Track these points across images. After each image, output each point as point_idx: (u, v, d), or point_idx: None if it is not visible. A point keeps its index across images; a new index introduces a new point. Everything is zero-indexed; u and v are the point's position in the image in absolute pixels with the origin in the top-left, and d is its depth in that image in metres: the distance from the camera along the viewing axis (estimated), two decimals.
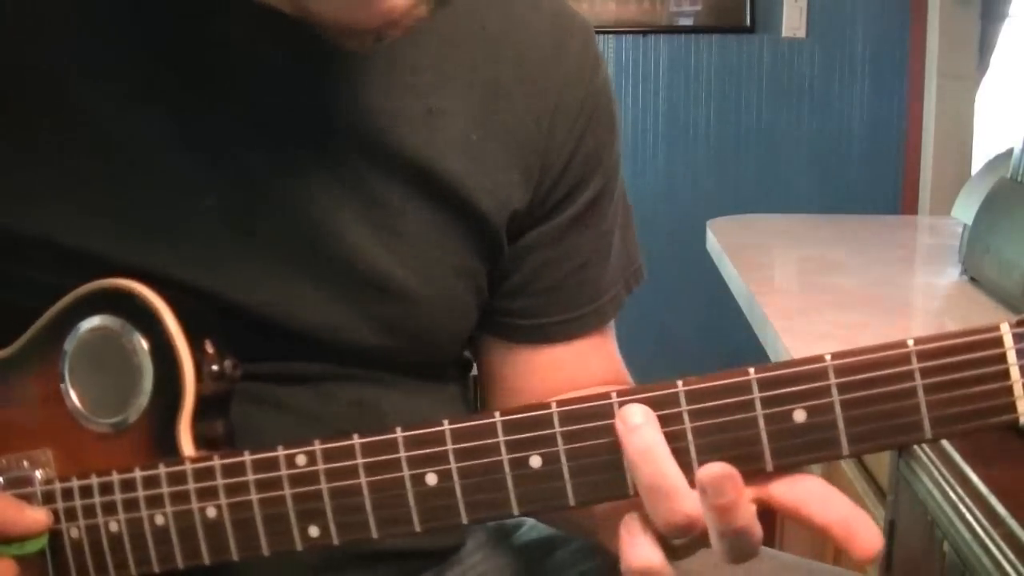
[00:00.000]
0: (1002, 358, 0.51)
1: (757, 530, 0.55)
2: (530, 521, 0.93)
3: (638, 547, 0.56)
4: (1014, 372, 0.51)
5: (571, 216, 0.80)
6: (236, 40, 0.70)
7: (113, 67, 0.69)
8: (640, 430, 0.55)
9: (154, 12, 0.70)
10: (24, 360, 0.70)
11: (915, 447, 0.96)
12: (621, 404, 0.56)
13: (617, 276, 0.85)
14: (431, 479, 0.58)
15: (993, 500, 0.81)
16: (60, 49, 0.69)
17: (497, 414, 0.58)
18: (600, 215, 0.82)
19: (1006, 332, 0.51)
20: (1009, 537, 0.78)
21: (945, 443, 0.91)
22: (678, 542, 0.56)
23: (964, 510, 0.85)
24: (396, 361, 0.78)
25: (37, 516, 0.65)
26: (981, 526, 0.82)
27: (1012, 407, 0.51)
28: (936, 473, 0.91)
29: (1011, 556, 0.77)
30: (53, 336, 0.68)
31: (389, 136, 0.72)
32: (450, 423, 0.58)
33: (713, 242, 1.99)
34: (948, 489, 0.88)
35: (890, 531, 1.10)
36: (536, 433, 0.57)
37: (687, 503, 0.55)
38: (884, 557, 1.12)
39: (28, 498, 0.66)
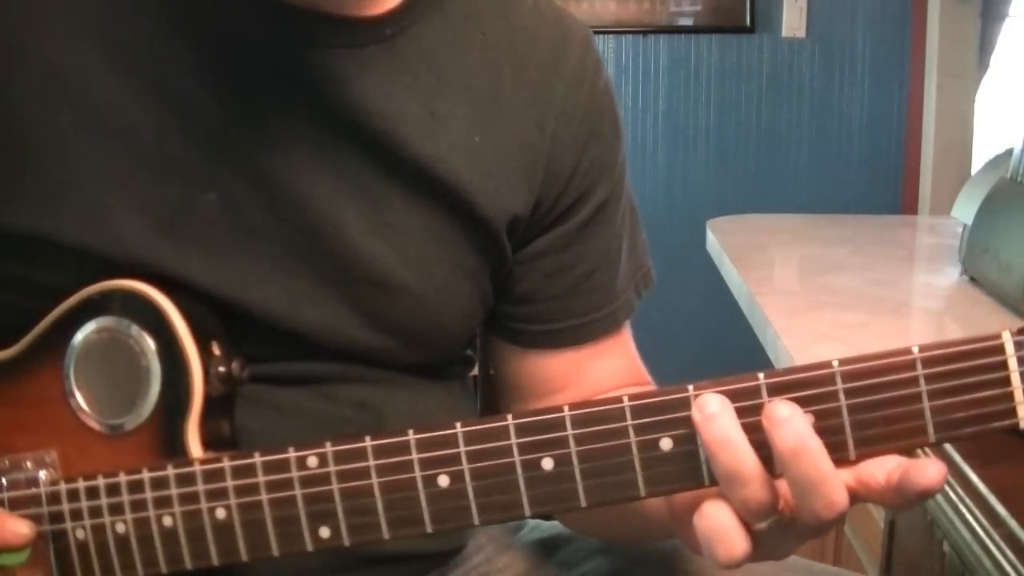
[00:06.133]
0: (1003, 365, 0.53)
1: (832, 484, 0.54)
2: (532, 522, 0.93)
3: (713, 508, 0.56)
4: (1015, 379, 0.53)
5: (580, 222, 0.80)
6: (242, 35, 0.70)
7: (114, 62, 0.69)
8: (716, 418, 0.55)
9: (159, 5, 0.70)
10: (28, 361, 0.70)
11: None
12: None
13: (628, 280, 0.85)
14: (443, 481, 0.59)
15: (993, 500, 0.82)
16: (59, 43, 0.69)
17: (509, 417, 0.58)
18: (608, 220, 0.82)
19: (1007, 340, 0.53)
20: (1009, 537, 0.78)
21: (945, 444, 0.91)
22: (760, 526, 0.56)
23: (964, 510, 0.85)
24: (398, 361, 0.78)
25: (18, 529, 0.64)
26: (981, 526, 0.82)
27: (1013, 412, 0.53)
28: None
29: (1011, 556, 0.77)
30: (59, 337, 0.68)
31: (391, 137, 0.72)
32: (462, 425, 0.59)
33: (713, 242, 1.99)
34: (948, 489, 0.88)
35: (890, 531, 1.11)
36: (548, 436, 0.58)
37: (765, 488, 0.55)
38: (884, 557, 1.12)
39: (33, 499, 0.66)
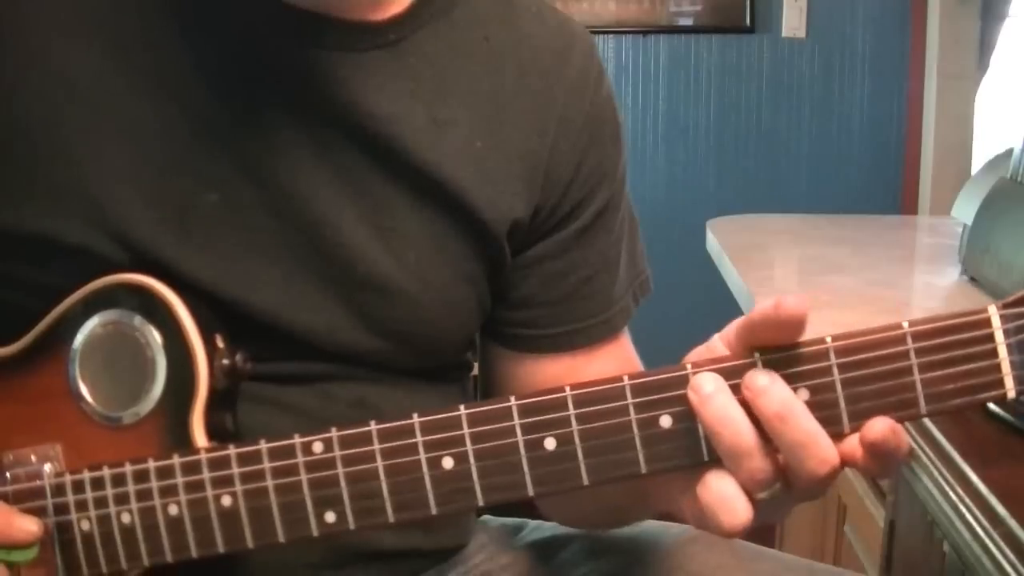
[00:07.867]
0: (990, 338, 0.55)
1: (821, 441, 0.55)
2: (534, 522, 0.94)
3: (716, 478, 0.57)
4: (1001, 351, 0.54)
5: (578, 228, 0.81)
6: (246, 37, 0.70)
7: (119, 62, 0.69)
8: (713, 398, 0.56)
9: (164, 6, 0.70)
10: (33, 356, 0.70)
11: (915, 447, 0.96)
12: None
13: (626, 286, 0.85)
14: (447, 463, 0.60)
15: (993, 500, 0.82)
16: (65, 44, 0.69)
17: (512, 398, 0.59)
18: (607, 227, 0.82)
19: (994, 314, 0.55)
20: (1009, 537, 0.78)
21: (945, 443, 0.91)
22: (763, 495, 0.57)
23: (964, 510, 0.85)
24: (395, 363, 0.78)
25: (27, 526, 0.65)
26: (981, 526, 0.82)
27: (1000, 383, 0.55)
28: (936, 473, 0.91)
29: (1011, 556, 0.77)
30: (63, 331, 0.68)
31: (393, 141, 0.73)
32: (466, 408, 0.59)
33: (713, 242, 1.99)
34: (948, 489, 0.89)
35: (890, 531, 1.11)
36: (550, 416, 0.59)
37: (768, 459, 0.56)
38: (884, 557, 1.12)
39: (37, 492, 0.66)
